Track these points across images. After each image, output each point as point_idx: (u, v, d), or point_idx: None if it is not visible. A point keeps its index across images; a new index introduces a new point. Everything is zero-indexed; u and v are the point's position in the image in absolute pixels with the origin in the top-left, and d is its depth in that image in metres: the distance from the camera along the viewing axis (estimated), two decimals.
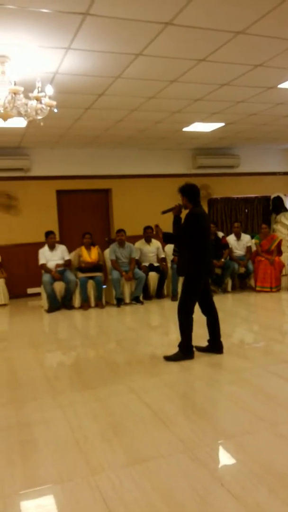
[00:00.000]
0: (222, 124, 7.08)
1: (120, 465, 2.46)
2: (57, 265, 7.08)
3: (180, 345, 4.29)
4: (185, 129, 7.29)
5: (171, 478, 2.32)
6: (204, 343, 4.45)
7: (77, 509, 2.11)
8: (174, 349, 4.32)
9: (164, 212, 4.46)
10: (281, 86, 5.17)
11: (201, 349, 4.43)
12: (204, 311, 4.43)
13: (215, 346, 4.40)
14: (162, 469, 2.41)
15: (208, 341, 4.44)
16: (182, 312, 4.25)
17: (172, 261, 7.48)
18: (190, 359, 4.23)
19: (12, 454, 2.66)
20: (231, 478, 2.28)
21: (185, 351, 4.25)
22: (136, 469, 2.41)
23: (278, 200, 9.96)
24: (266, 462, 2.41)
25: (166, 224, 4.63)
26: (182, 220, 4.26)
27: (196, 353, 4.33)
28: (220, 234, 8.01)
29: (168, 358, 4.25)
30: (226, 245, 7.81)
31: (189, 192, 4.24)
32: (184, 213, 4.26)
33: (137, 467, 2.43)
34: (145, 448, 2.64)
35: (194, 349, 4.31)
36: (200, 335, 4.50)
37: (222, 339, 4.43)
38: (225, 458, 2.56)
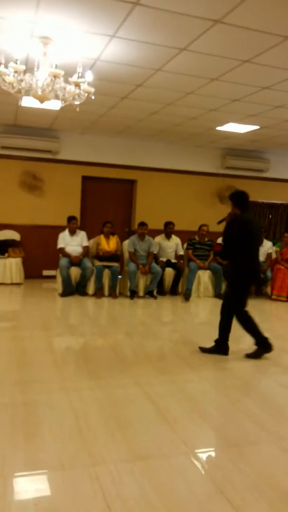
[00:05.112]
0: (257, 127, 6.98)
1: (121, 459, 2.46)
2: (75, 257, 7.07)
3: (216, 341, 4.39)
4: (218, 128, 7.20)
5: (171, 478, 2.32)
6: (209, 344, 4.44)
7: (76, 498, 2.12)
8: (183, 346, 4.30)
9: (219, 222, 4.68)
10: None
11: (205, 350, 4.42)
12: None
13: (221, 347, 4.39)
14: (163, 468, 2.41)
15: (215, 341, 4.43)
16: (228, 311, 4.36)
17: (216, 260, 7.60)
18: (224, 355, 4.34)
19: (16, 434, 2.69)
20: (231, 487, 2.26)
21: (220, 348, 4.36)
22: (136, 466, 2.41)
23: None
24: (269, 476, 2.38)
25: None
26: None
27: (205, 356, 4.31)
28: None
29: (204, 350, 4.39)
30: None
31: (236, 198, 4.39)
32: None
33: (138, 463, 2.43)
34: (147, 445, 2.63)
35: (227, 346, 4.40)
36: (210, 336, 4.48)
37: (232, 344, 4.41)
38: (227, 466, 2.53)
